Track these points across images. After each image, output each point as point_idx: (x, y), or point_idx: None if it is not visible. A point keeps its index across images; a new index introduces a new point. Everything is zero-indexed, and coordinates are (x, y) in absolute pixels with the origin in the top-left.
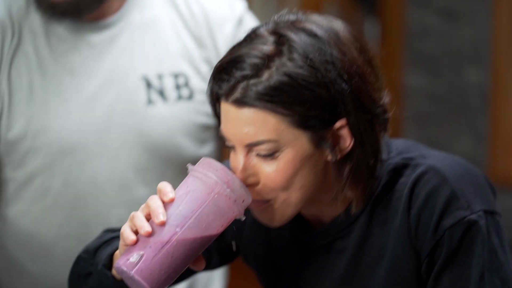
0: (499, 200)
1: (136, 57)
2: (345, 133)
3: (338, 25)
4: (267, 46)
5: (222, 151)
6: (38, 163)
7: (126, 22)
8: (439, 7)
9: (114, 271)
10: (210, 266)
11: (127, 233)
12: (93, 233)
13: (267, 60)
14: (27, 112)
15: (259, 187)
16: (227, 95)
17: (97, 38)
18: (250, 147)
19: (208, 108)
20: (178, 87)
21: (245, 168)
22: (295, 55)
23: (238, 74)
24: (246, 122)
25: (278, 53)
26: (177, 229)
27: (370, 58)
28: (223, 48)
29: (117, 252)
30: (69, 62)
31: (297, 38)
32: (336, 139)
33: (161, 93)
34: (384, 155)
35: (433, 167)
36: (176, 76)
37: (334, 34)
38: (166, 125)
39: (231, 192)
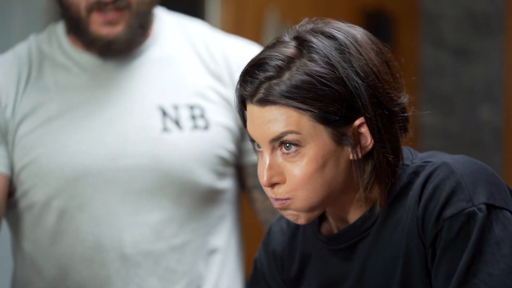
0: None
1: (153, 88)
2: (365, 131)
3: (357, 30)
4: (288, 49)
5: (241, 191)
6: (53, 187)
7: (146, 57)
8: (452, 46)
9: None
10: None
11: None
12: (106, 256)
13: (289, 62)
14: (43, 139)
15: (284, 186)
16: (252, 96)
17: (117, 70)
18: (274, 142)
19: (225, 143)
20: (193, 117)
21: (270, 166)
22: (314, 55)
23: (261, 75)
24: (269, 119)
25: (298, 54)
26: None
27: (388, 60)
28: None
29: None
30: (88, 92)
31: (316, 40)
32: (357, 137)
33: (177, 122)
34: (408, 161)
35: (445, 162)
36: (191, 107)
37: (351, 36)
38: (180, 152)
39: None
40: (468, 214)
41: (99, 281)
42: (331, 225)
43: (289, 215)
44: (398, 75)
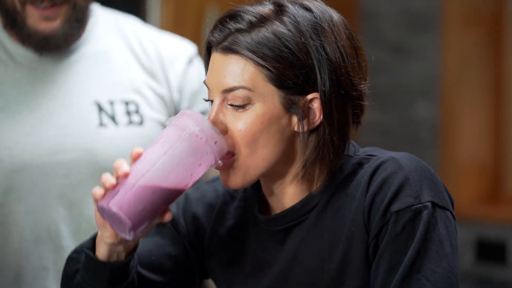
0: None
1: (89, 84)
2: (316, 107)
3: (335, 13)
4: (264, 9)
5: None
6: None
7: (82, 52)
8: (390, 44)
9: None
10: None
11: (106, 177)
12: (43, 248)
13: (261, 19)
14: None
15: (225, 136)
16: (218, 43)
17: (54, 65)
18: (226, 93)
19: None
20: (128, 113)
21: (217, 114)
22: (286, 19)
23: (232, 25)
24: (227, 69)
25: (272, 15)
26: (152, 167)
27: (357, 47)
28: (175, 83)
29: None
30: (26, 86)
31: (293, 7)
32: (307, 111)
33: (113, 118)
34: (351, 153)
35: (393, 157)
36: (127, 103)
37: (328, 14)
38: (116, 146)
39: (201, 131)
40: (415, 211)
41: (36, 272)
42: (269, 208)
43: (226, 176)
44: (363, 64)
